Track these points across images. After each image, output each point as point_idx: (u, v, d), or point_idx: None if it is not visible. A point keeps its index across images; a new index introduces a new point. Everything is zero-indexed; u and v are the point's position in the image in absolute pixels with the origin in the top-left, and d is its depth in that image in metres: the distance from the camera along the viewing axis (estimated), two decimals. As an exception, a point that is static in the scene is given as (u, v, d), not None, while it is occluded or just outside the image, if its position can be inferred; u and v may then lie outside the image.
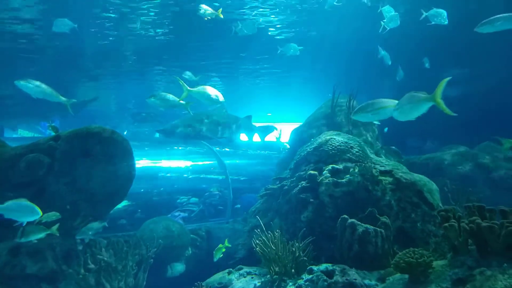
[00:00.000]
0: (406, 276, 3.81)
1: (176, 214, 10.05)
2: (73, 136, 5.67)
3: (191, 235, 9.11)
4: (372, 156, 6.79)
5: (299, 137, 9.98)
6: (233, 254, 7.23)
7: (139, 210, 10.64)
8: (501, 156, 11.12)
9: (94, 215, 5.66)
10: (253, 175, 13.14)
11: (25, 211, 4.46)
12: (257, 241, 5.09)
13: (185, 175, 11.82)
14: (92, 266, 4.75)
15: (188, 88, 6.64)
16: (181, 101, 6.68)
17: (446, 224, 3.67)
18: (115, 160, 5.91)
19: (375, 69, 13.98)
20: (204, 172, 13.02)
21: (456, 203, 6.88)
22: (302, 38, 11.25)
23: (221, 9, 7.37)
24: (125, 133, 18.18)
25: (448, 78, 4.11)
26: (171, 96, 6.64)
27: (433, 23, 7.93)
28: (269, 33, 11.20)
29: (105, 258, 4.80)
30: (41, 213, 4.54)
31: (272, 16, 10.31)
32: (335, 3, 8.70)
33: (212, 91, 6.95)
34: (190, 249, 8.91)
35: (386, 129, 11.35)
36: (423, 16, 7.89)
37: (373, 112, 4.65)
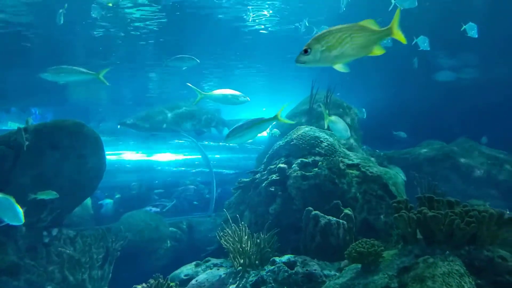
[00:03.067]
0: (359, 265, 3.93)
1: (148, 209, 10.07)
2: (42, 129, 5.66)
3: (171, 228, 9.17)
4: (342, 150, 6.88)
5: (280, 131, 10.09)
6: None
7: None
8: (475, 152, 11.38)
9: (62, 208, 5.68)
10: (244, 168, 13.24)
11: (7, 211, 4.20)
12: (221, 234, 5.16)
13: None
14: (55, 258, 4.78)
15: (203, 92, 6.39)
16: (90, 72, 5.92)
17: (396, 215, 3.78)
18: (85, 154, 5.92)
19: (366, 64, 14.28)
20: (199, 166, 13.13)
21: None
22: (290, 35, 11.43)
23: None
24: (118, 127, 18.23)
25: (285, 105, 4.90)
26: (69, 68, 5.62)
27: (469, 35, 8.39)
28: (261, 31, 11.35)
29: (67, 251, 4.83)
30: (23, 221, 4.29)
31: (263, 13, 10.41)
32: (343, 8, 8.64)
33: (230, 93, 6.70)
34: (169, 242, 8.97)
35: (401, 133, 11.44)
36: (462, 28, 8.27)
37: (240, 134, 4.92)
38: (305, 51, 2.76)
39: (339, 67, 2.91)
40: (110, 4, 6.11)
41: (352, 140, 8.76)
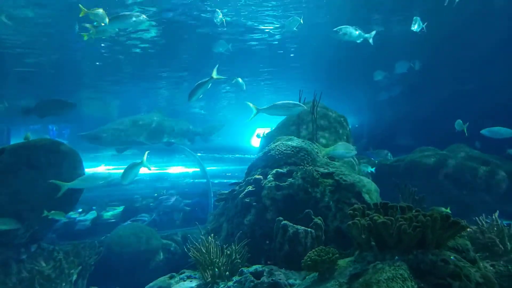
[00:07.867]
0: (317, 273, 3.94)
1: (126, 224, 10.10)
2: (18, 149, 5.80)
3: (164, 241, 9.19)
4: (320, 159, 6.91)
5: (268, 143, 10.14)
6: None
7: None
8: (468, 157, 11.28)
9: (40, 224, 5.77)
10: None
11: None
12: (189, 246, 5.20)
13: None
14: (26, 274, 4.86)
15: (257, 108, 6.36)
16: None
17: (350, 222, 3.80)
18: (62, 171, 6.04)
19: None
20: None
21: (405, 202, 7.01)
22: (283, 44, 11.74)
23: None
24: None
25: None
26: None
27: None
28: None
29: (36, 267, 4.91)
30: None
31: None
32: (295, 28, 8.89)
33: (285, 103, 6.55)
34: (161, 254, 8.99)
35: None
36: None
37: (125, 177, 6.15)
38: None
39: None
40: (92, 37, 6.36)
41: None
